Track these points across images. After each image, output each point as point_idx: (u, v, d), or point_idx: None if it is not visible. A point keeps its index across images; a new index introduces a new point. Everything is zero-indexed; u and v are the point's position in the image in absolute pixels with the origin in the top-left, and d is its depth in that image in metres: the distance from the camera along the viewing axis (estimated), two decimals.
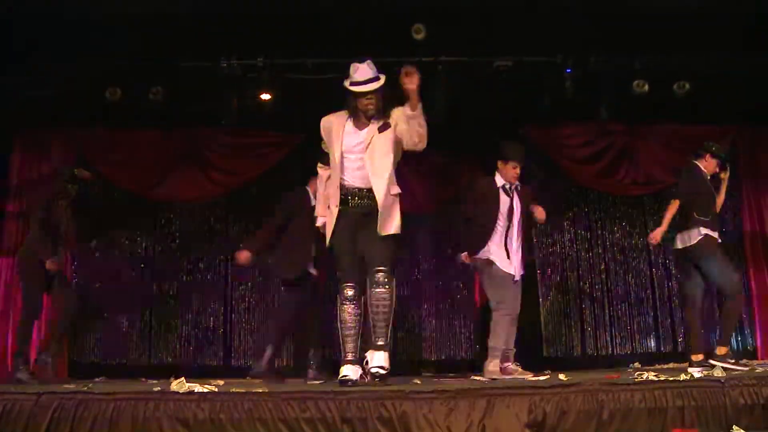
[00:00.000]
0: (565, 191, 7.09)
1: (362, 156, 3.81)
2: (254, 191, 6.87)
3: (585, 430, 3.09)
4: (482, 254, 4.82)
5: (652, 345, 6.84)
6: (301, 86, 5.93)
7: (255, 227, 6.89)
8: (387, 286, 3.73)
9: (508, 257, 4.80)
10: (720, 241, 4.88)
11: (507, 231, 4.82)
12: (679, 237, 4.93)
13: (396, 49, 5.39)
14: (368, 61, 3.83)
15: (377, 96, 3.81)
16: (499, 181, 4.90)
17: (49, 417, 3.11)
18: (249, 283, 6.86)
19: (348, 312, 3.79)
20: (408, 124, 3.74)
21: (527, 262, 4.90)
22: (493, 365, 4.63)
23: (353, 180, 3.86)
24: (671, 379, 3.35)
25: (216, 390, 3.23)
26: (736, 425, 3.13)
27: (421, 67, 5.67)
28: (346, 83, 3.83)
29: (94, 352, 6.59)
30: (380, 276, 3.74)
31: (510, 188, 4.87)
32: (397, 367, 3.87)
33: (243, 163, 6.73)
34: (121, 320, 6.70)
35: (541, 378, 4.11)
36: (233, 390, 3.24)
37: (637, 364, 5.97)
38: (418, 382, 4.17)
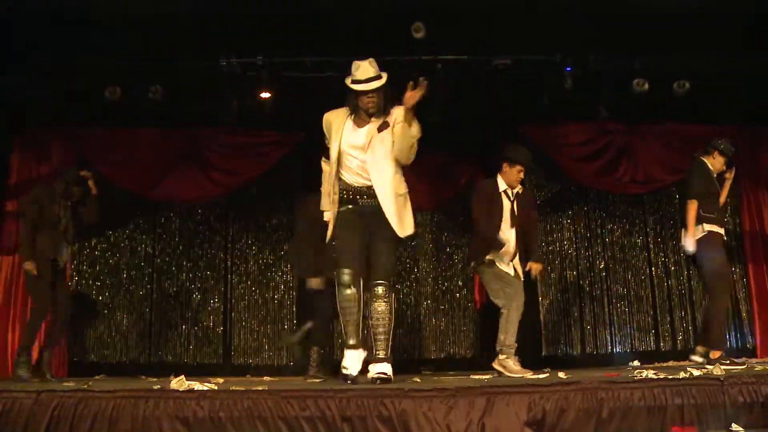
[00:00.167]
0: (565, 190, 7.09)
1: (362, 156, 3.82)
2: (254, 191, 6.88)
3: (584, 429, 3.10)
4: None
5: (652, 343, 6.84)
6: (301, 85, 5.93)
7: (255, 227, 6.94)
8: (386, 300, 3.76)
9: (509, 261, 4.82)
10: (726, 238, 4.89)
11: (507, 235, 4.83)
12: (684, 233, 4.94)
13: (395, 48, 5.40)
14: (370, 59, 3.84)
15: (378, 94, 3.82)
16: (501, 184, 4.89)
17: (49, 415, 3.12)
18: (249, 282, 6.87)
19: (346, 298, 3.77)
20: (402, 136, 3.73)
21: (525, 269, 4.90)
22: (513, 362, 4.63)
23: (356, 178, 3.87)
24: (670, 377, 3.36)
25: (216, 388, 3.24)
26: (735, 423, 3.14)
27: (420, 66, 5.73)
28: (348, 81, 3.84)
29: (94, 350, 6.59)
30: (380, 289, 3.77)
31: (511, 192, 4.88)
32: (396, 366, 3.86)
33: (243, 163, 6.73)
34: (121, 319, 6.70)
35: (541, 376, 4.11)
36: (233, 388, 3.24)
37: (636, 363, 5.97)
38: (418, 380, 4.18)
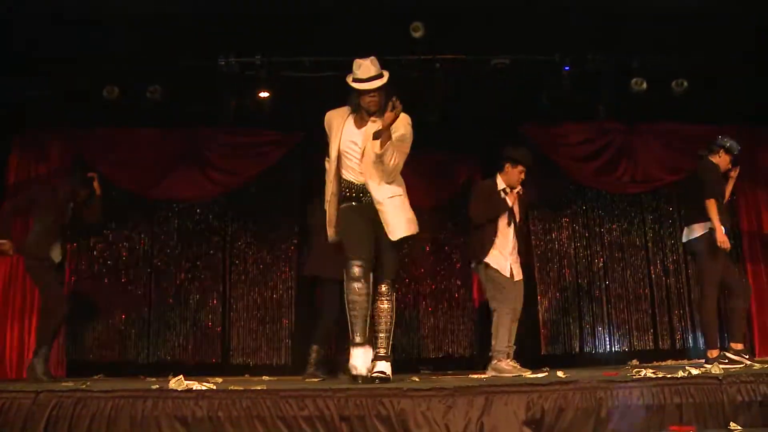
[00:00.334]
0: (564, 189, 7.09)
1: (359, 159, 3.81)
2: (254, 190, 6.88)
3: (583, 428, 3.10)
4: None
5: (650, 342, 6.84)
6: (299, 84, 5.93)
7: (254, 226, 6.93)
8: (389, 299, 3.80)
9: (507, 260, 4.83)
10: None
11: (505, 235, 4.83)
12: (686, 230, 4.94)
13: (394, 47, 5.40)
14: (372, 57, 3.83)
15: (380, 94, 3.81)
16: (500, 184, 4.91)
17: (47, 415, 3.11)
18: (247, 282, 6.87)
19: (355, 291, 3.73)
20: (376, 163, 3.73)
21: (524, 266, 4.90)
22: (505, 363, 4.64)
23: (356, 176, 3.87)
24: (669, 376, 3.36)
25: (214, 388, 3.23)
26: (734, 422, 3.15)
27: (419, 66, 5.73)
28: (349, 79, 3.83)
29: (92, 350, 6.59)
30: (384, 288, 3.80)
31: (511, 192, 4.88)
32: (395, 365, 3.86)
33: (242, 162, 6.72)
34: (120, 318, 6.70)
35: (539, 375, 4.12)
36: (231, 388, 3.24)
37: (635, 362, 5.97)
38: (417, 379, 4.18)
